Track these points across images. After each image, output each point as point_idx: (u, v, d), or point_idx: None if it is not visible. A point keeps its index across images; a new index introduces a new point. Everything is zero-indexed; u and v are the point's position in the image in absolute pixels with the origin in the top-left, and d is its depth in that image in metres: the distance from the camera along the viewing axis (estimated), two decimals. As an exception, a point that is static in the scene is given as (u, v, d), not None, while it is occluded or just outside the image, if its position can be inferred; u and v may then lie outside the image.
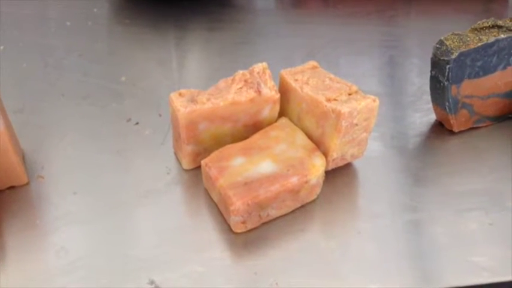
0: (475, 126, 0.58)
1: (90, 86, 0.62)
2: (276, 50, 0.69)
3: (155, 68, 0.65)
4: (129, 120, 0.58)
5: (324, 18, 0.75)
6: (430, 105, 0.58)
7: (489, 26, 0.53)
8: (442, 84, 0.53)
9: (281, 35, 0.71)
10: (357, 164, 0.54)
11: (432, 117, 0.59)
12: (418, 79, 0.65)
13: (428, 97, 0.58)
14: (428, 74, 0.56)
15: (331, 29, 0.73)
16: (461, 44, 0.52)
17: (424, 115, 0.59)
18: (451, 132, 0.57)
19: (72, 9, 0.73)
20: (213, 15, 0.73)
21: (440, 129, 0.58)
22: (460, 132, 0.57)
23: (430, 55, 0.55)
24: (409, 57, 0.68)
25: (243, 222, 0.47)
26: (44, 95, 0.61)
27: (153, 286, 0.44)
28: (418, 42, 0.71)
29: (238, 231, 0.47)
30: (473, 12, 0.76)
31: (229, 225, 0.48)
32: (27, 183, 0.51)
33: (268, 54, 0.68)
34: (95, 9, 0.73)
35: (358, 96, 0.48)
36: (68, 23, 0.71)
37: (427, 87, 0.58)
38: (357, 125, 0.48)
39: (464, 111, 0.56)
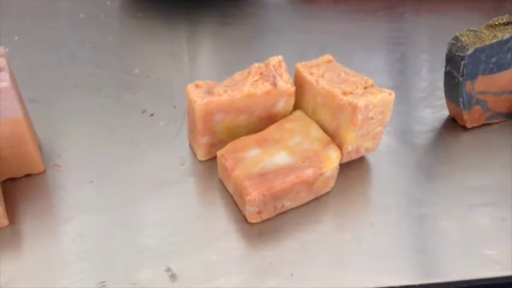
0: (488, 122, 0.58)
1: (103, 78, 0.62)
2: (287, 45, 0.69)
3: (167, 61, 0.65)
4: (144, 111, 0.58)
5: (335, 13, 0.75)
6: (443, 101, 0.58)
7: (504, 22, 0.54)
8: (456, 80, 0.53)
9: (292, 30, 0.71)
10: (370, 157, 0.54)
11: (444, 112, 0.59)
12: (429, 75, 0.65)
13: (440, 93, 0.58)
14: (440, 70, 0.56)
15: (342, 24, 0.73)
16: (476, 40, 0.52)
17: (436, 111, 0.60)
18: (464, 128, 0.58)
19: (86, 1, 0.73)
20: (225, 9, 0.74)
21: (452, 124, 0.58)
22: (473, 128, 0.58)
23: (440, 51, 0.55)
24: (420, 53, 0.68)
25: (259, 213, 0.47)
26: (59, 86, 0.61)
27: (169, 274, 0.44)
28: (428, 39, 0.71)
29: (254, 221, 0.48)
30: (483, 10, 0.76)
31: (243, 216, 0.48)
32: (44, 172, 0.51)
33: (280, 48, 0.67)
34: (108, 2, 0.74)
35: (374, 90, 0.48)
36: (82, 15, 0.71)
37: (438, 83, 0.58)
38: (372, 118, 0.48)
39: (477, 107, 0.56)
